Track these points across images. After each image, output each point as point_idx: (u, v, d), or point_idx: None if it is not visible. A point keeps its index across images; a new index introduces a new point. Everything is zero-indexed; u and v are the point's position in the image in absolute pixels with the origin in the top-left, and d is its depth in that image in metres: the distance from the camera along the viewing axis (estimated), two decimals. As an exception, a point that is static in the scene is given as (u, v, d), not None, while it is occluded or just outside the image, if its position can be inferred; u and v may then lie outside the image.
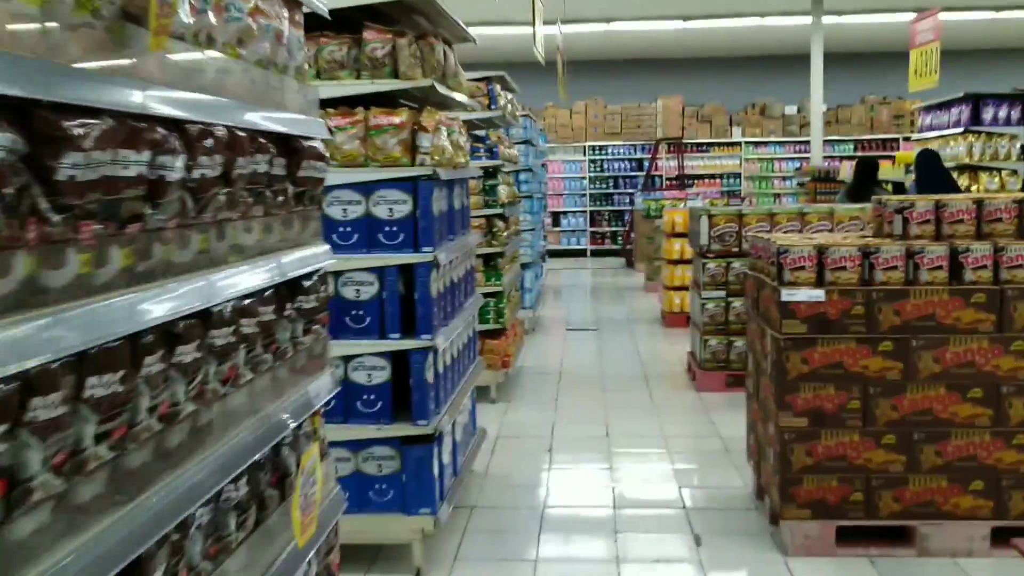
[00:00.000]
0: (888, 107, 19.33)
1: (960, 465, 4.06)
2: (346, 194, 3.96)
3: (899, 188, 12.57)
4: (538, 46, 8.74)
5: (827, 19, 16.83)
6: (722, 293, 7.26)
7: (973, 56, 19.05)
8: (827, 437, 4.13)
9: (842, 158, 18.67)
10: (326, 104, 3.98)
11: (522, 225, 10.05)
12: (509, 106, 7.58)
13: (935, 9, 10.26)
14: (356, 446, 3.99)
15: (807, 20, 17.01)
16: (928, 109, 10.87)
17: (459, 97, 4.64)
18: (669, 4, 16.41)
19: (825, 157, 17.56)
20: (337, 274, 3.97)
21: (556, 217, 19.87)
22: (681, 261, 10.40)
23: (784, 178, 19.66)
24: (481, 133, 7.39)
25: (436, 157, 3.96)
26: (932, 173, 8.10)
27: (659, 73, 20.39)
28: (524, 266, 10.05)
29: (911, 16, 18.07)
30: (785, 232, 7.08)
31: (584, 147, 19.81)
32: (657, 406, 6.98)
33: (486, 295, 7.00)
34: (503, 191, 7.06)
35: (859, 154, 19.40)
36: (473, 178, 5.75)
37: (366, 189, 3.96)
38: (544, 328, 10.65)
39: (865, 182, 8.64)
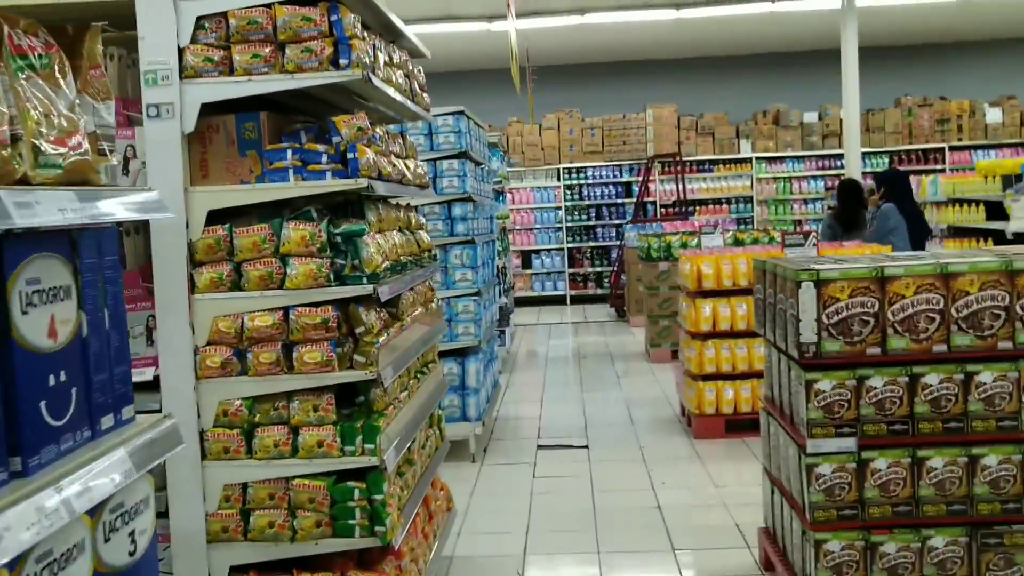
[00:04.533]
0: (928, 110, 15.74)
1: None
2: None
3: (997, 210, 9.04)
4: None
5: (862, 2, 13.25)
6: (850, 443, 3.46)
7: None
8: None
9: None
10: None
11: (460, 286, 6.25)
12: (400, 77, 3.78)
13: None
14: None
15: (832, 4, 13.42)
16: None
17: None
18: (658, -12, 12.90)
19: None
20: None
21: (526, 257, 16.11)
22: (715, 335, 6.64)
23: (807, 201, 16.01)
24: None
25: None
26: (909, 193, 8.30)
27: (648, 77, 16.73)
28: (464, 353, 6.25)
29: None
30: None
31: (558, 170, 16.09)
32: None
33: (344, 475, 3.18)
34: (377, 246, 3.25)
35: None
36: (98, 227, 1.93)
37: None
38: (504, 443, 6.82)
39: (857, 207, 8.14)
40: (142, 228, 3.30)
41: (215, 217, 3.18)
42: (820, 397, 3.48)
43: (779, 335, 3.82)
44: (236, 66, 3.13)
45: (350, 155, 3.13)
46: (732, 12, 14.03)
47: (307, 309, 3.14)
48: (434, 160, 6.16)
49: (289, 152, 3.17)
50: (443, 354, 6.14)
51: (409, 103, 3.91)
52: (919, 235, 8.19)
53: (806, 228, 15.73)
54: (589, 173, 16.09)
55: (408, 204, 4.31)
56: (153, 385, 3.26)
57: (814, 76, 16.07)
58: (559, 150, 16.05)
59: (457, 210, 6.20)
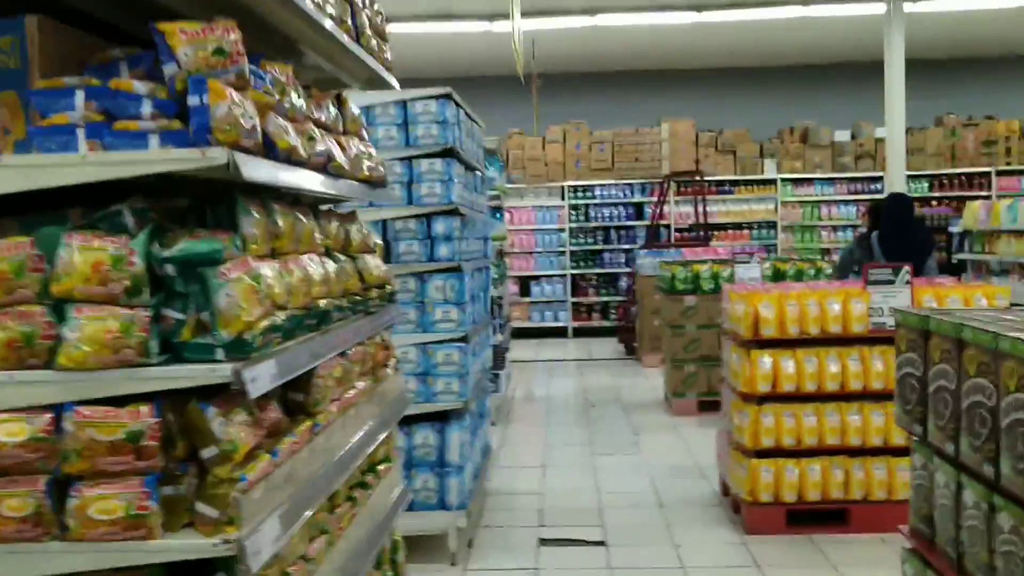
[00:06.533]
0: (974, 130, 14.25)
1: None
2: None
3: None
4: None
5: (910, 7, 11.78)
6: None
7: None
8: None
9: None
10: None
11: (442, 329, 4.67)
12: (334, 2, 2.24)
13: None
14: None
15: (874, 10, 11.97)
16: None
17: None
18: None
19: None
20: None
21: (525, 284, 14.54)
22: (775, 397, 5.06)
23: (836, 227, 14.50)
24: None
25: None
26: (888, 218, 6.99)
27: (664, 88, 15.29)
28: (445, 418, 4.66)
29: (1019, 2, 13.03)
30: None
31: (563, 188, 14.56)
32: None
33: None
34: (255, 284, 1.69)
35: (936, 194, 14.33)
36: None
37: None
38: (495, 533, 5.21)
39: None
40: None
41: (-70, 220, 1.61)
42: (1079, 579, 1.89)
43: (968, 446, 2.24)
44: (-29, -82, 1.56)
45: (192, 100, 1.55)
46: (759, 16, 12.59)
47: (100, 410, 1.56)
48: (409, 159, 4.60)
49: (79, 95, 1.60)
50: (417, 418, 4.57)
51: (347, 41, 2.33)
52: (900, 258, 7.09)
53: (835, 258, 14.21)
54: (597, 192, 14.55)
55: (352, 213, 2.74)
56: None
57: (847, 91, 14.63)
58: (564, 166, 14.52)
59: (439, 226, 4.63)
